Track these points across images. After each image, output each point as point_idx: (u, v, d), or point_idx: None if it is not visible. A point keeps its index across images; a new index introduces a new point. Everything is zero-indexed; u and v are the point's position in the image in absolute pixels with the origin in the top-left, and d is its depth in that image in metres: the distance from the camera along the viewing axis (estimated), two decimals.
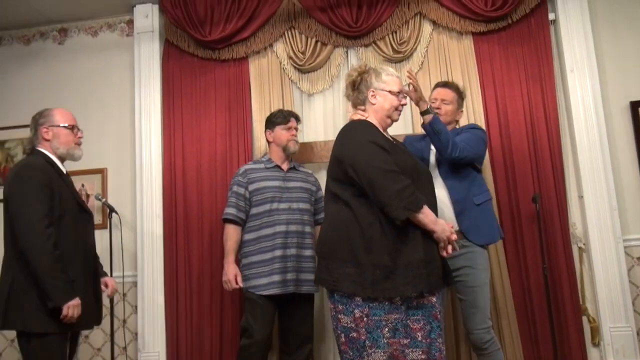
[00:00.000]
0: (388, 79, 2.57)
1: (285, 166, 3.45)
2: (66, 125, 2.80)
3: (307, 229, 3.36)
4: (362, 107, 2.60)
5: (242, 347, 3.22)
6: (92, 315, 2.74)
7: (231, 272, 3.26)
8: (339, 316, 2.35)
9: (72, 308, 2.51)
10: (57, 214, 2.61)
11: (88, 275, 2.75)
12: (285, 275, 3.20)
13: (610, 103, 3.74)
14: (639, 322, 3.52)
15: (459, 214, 2.93)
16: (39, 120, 2.79)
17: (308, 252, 3.30)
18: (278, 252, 3.22)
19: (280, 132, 3.43)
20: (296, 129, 3.49)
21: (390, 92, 2.56)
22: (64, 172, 2.80)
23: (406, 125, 3.83)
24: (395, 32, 3.93)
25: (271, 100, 3.98)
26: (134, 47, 4.15)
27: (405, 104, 2.66)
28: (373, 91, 2.56)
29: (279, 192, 3.33)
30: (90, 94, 4.27)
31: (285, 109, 3.68)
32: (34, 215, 2.52)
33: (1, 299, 2.55)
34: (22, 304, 2.52)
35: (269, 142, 3.51)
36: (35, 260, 2.49)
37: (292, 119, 3.47)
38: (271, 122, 3.48)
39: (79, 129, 2.88)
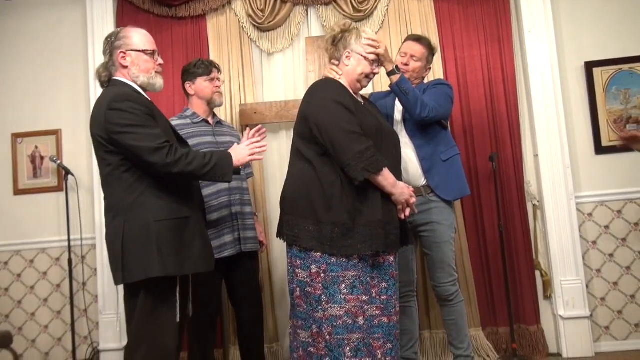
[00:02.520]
0: (367, 44, 2.56)
1: (211, 120, 3.22)
2: (147, 49, 2.43)
3: (245, 184, 3.20)
4: (337, 63, 2.59)
5: (194, 324, 3.00)
6: (212, 256, 2.45)
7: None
8: (296, 270, 2.39)
9: (243, 158, 2.42)
10: None
11: (201, 213, 2.49)
12: (234, 235, 3.04)
13: (566, 64, 3.81)
14: (588, 276, 3.67)
15: (427, 171, 2.95)
16: (114, 43, 2.40)
17: (248, 209, 3.17)
18: (225, 212, 3.04)
19: (203, 83, 3.16)
20: (219, 79, 3.23)
21: (365, 57, 2.55)
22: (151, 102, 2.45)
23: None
24: None
25: (230, 60, 3.91)
26: (87, 2, 4.00)
27: (377, 73, 2.66)
28: (349, 52, 2.55)
29: (214, 147, 3.04)
30: (41, 53, 4.11)
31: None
32: (153, 139, 2.21)
33: (116, 249, 2.25)
34: (140, 250, 2.21)
35: (189, 95, 3.23)
36: (181, 173, 2.24)
37: (214, 70, 3.21)
38: (191, 73, 3.19)
39: (159, 55, 2.50)
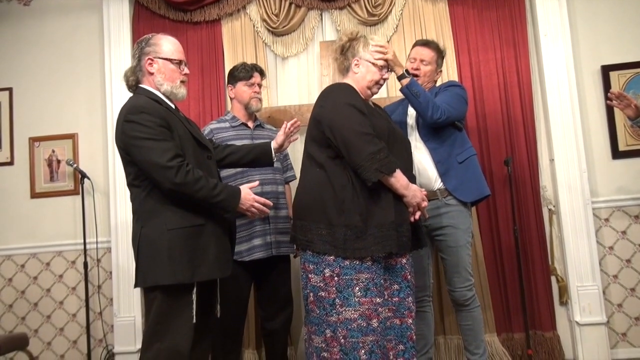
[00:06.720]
0: (375, 51, 2.57)
1: (251, 124, 3.25)
2: (174, 58, 2.43)
3: (280, 188, 3.20)
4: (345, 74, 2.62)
5: (219, 327, 2.88)
6: (227, 262, 2.41)
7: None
8: (309, 275, 2.40)
9: (245, 207, 2.35)
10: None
11: (221, 218, 2.41)
12: (266, 238, 3.05)
13: (582, 67, 3.78)
14: (605, 281, 3.63)
15: (443, 174, 2.93)
16: (144, 49, 2.42)
17: (283, 213, 3.16)
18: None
19: (242, 88, 3.21)
20: (260, 85, 3.26)
21: (374, 64, 2.56)
22: (173, 107, 2.45)
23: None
24: None
25: None
26: (103, 8, 4.04)
27: (387, 79, 2.66)
28: (358, 60, 2.57)
29: None
30: (58, 57, 4.15)
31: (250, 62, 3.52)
32: (162, 155, 2.20)
33: (135, 253, 2.31)
34: (153, 257, 2.24)
35: (230, 99, 3.30)
36: (187, 195, 2.23)
37: (256, 74, 3.23)
38: (233, 77, 3.24)
39: (186, 64, 2.49)
